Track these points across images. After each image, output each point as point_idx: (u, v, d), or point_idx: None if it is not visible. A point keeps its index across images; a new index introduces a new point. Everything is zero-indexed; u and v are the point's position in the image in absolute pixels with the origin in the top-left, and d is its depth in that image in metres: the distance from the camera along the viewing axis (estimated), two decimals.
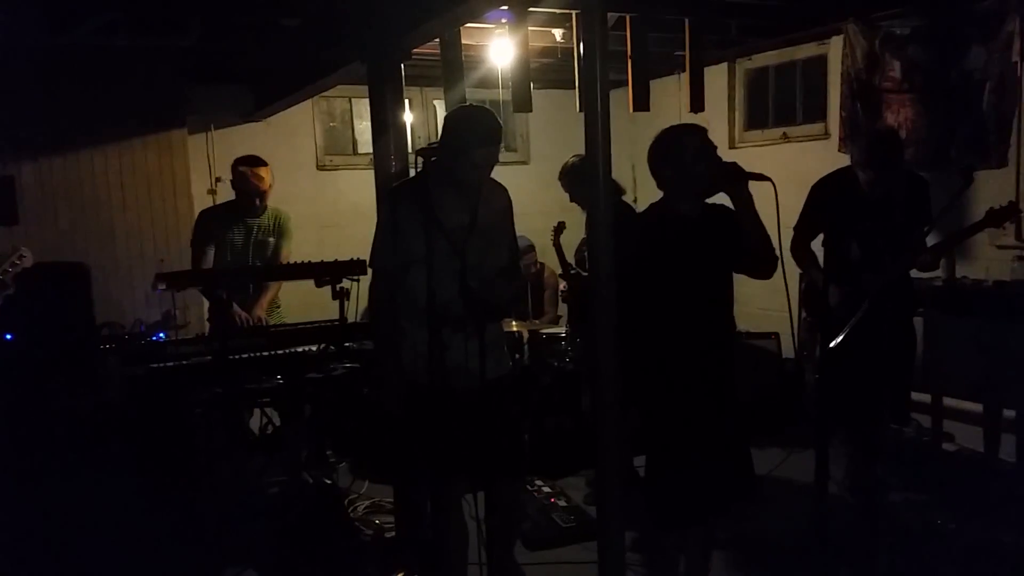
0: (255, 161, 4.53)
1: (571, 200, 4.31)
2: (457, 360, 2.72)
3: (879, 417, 3.97)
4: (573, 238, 4.82)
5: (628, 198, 6.88)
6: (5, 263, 3.19)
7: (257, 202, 4.49)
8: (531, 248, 5.44)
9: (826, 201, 3.79)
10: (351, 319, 4.02)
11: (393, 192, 2.94)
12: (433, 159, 2.79)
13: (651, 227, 2.89)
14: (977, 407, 4.33)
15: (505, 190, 2.97)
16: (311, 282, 4.21)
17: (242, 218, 4.52)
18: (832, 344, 3.20)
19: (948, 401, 4.48)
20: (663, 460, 2.86)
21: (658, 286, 2.77)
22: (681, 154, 2.83)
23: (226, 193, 5.98)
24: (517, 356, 4.85)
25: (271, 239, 4.59)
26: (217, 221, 4.53)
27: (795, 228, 3.90)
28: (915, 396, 4.65)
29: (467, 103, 3.37)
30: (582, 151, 2.70)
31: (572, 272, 4.51)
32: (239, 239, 4.51)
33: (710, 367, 2.84)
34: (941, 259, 3.68)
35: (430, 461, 2.84)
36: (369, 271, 3.05)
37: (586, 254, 4.55)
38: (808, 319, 4.24)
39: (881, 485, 4.04)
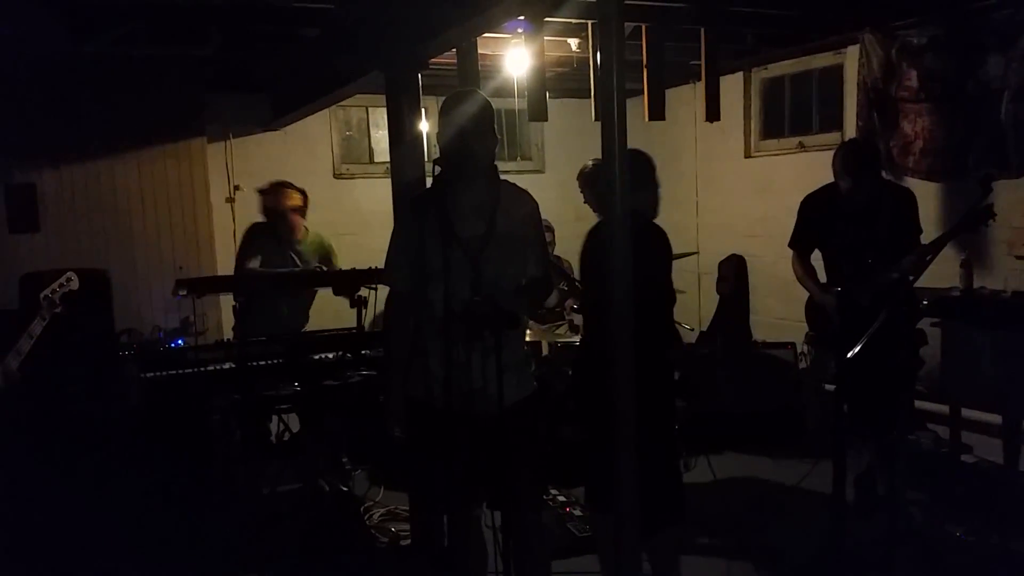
0: (279, 183, 4.66)
1: (584, 201, 4.36)
2: (475, 383, 2.56)
3: (890, 425, 4.00)
4: (577, 246, 4.82)
5: None
6: (54, 283, 3.39)
7: (287, 220, 4.56)
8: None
9: (814, 216, 3.93)
10: (367, 327, 4.05)
11: (407, 203, 2.85)
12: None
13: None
14: (996, 418, 4.29)
15: (529, 196, 2.78)
16: (329, 290, 4.25)
17: (286, 242, 4.60)
18: (849, 355, 3.19)
19: (966, 412, 4.45)
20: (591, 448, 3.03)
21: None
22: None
23: (244, 201, 6.05)
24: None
25: (315, 265, 4.65)
26: (264, 238, 4.59)
27: (790, 245, 4.04)
28: (933, 407, 4.62)
29: None
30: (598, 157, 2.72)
31: (574, 285, 4.53)
32: (284, 265, 4.57)
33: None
34: (926, 261, 3.68)
35: (444, 487, 2.71)
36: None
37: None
38: (811, 333, 4.30)
39: (898, 493, 4.03)
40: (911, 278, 3.63)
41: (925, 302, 4.02)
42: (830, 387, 4.51)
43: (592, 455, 3.08)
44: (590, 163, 4.37)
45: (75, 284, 3.40)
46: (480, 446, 2.61)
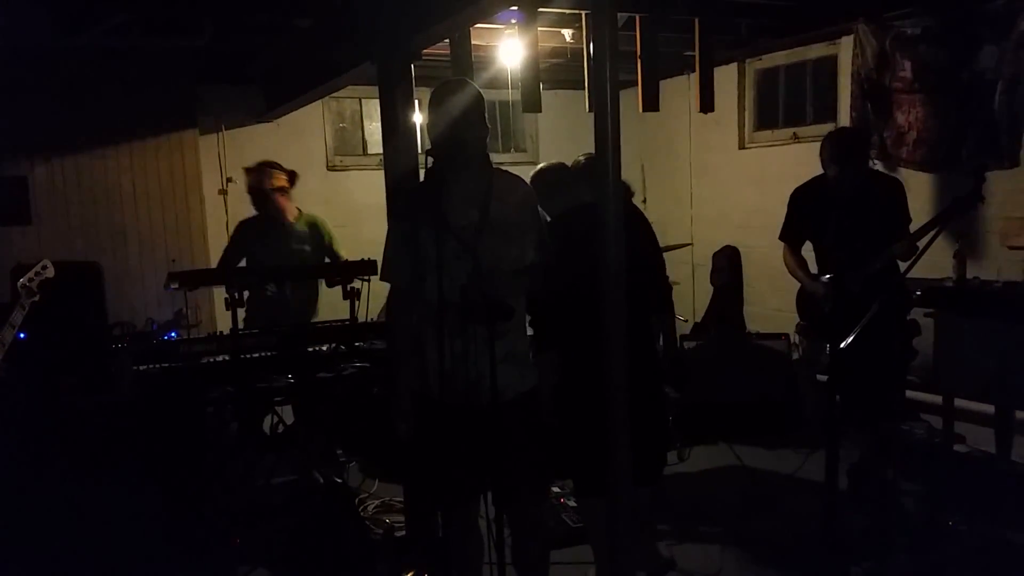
0: (264, 163, 4.61)
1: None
2: (473, 375, 2.56)
3: (882, 414, 4.06)
4: None
5: (637, 199, 6.91)
6: (30, 272, 3.39)
7: (262, 197, 4.50)
8: None
9: (804, 207, 3.98)
10: (361, 319, 4.04)
11: (401, 198, 2.85)
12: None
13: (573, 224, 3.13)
14: (989, 408, 4.30)
15: (523, 182, 2.77)
16: (322, 282, 4.24)
17: (276, 228, 4.55)
18: (842, 345, 3.20)
19: (959, 402, 4.45)
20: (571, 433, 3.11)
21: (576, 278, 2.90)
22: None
23: (237, 194, 6.03)
24: None
25: (306, 247, 4.61)
26: (253, 232, 4.55)
27: (781, 238, 4.09)
28: (926, 397, 4.63)
29: None
30: (591, 151, 2.71)
31: None
32: (272, 250, 4.52)
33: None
34: (916, 248, 3.66)
35: (442, 480, 2.72)
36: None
37: None
38: (802, 323, 4.35)
39: (891, 483, 4.06)
40: (902, 266, 3.65)
41: (918, 292, 4.03)
42: (822, 377, 4.52)
43: (581, 442, 3.10)
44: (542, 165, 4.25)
45: (51, 272, 3.40)
46: (479, 439, 2.60)
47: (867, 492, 4.12)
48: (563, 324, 3.11)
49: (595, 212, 2.62)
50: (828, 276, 3.87)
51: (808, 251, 4.10)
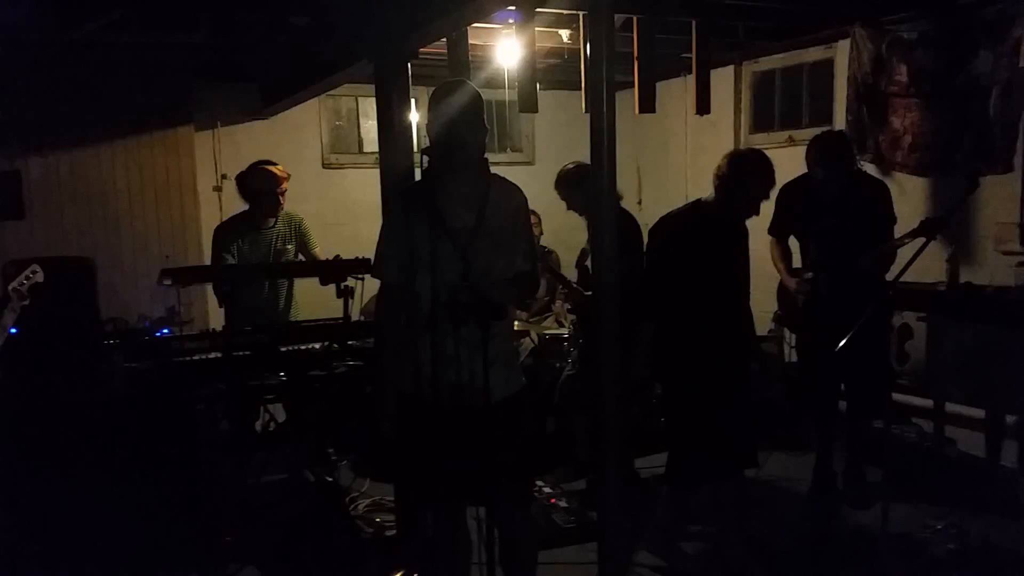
0: (267, 161, 4.54)
1: (568, 208, 4.33)
2: (463, 377, 2.55)
3: (860, 411, 4.13)
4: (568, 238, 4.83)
5: (632, 201, 6.93)
6: (20, 276, 3.35)
7: (272, 200, 4.43)
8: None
9: (789, 204, 4.08)
10: (355, 317, 4.03)
11: (398, 195, 2.83)
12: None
13: (699, 227, 3.37)
14: (979, 413, 4.32)
15: (518, 189, 2.74)
16: (315, 280, 4.24)
17: (257, 228, 4.49)
18: (838, 348, 3.22)
19: (950, 407, 4.48)
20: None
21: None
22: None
23: (232, 191, 6.01)
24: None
25: (289, 246, 4.56)
26: (233, 233, 4.49)
27: (768, 231, 4.18)
28: (917, 401, 4.65)
29: None
30: (588, 152, 2.71)
31: (572, 288, 4.48)
32: (256, 251, 4.47)
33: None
34: (886, 259, 3.83)
35: (430, 482, 2.71)
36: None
37: (587, 263, 4.64)
38: (778, 312, 4.65)
39: (862, 480, 4.15)
40: (877, 271, 3.77)
41: (891, 291, 4.07)
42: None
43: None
44: (568, 166, 4.32)
45: (40, 276, 3.37)
46: (468, 440, 2.59)
47: (864, 494, 4.14)
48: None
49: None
50: (808, 275, 4.00)
51: (796, 244, 4.19)
